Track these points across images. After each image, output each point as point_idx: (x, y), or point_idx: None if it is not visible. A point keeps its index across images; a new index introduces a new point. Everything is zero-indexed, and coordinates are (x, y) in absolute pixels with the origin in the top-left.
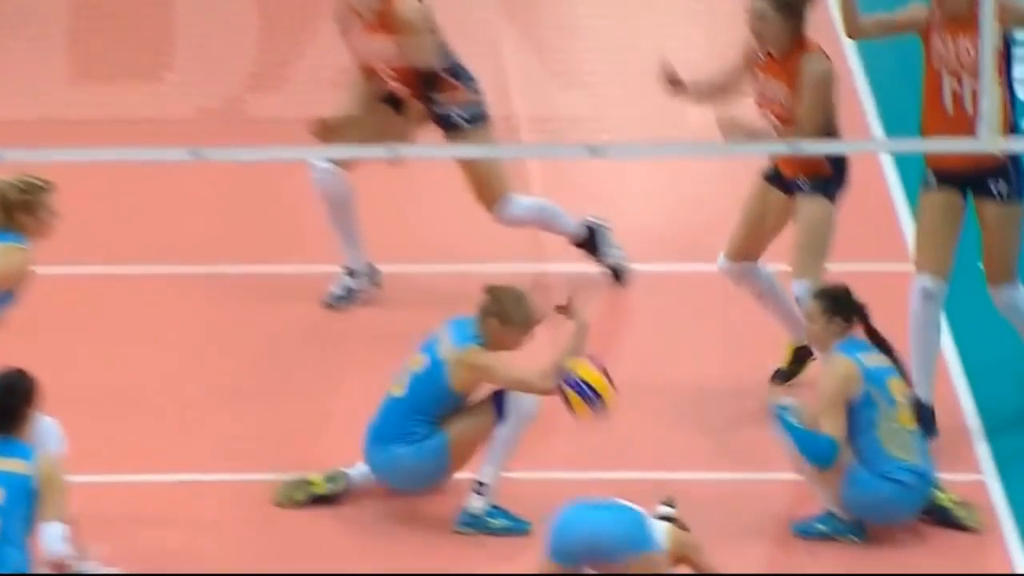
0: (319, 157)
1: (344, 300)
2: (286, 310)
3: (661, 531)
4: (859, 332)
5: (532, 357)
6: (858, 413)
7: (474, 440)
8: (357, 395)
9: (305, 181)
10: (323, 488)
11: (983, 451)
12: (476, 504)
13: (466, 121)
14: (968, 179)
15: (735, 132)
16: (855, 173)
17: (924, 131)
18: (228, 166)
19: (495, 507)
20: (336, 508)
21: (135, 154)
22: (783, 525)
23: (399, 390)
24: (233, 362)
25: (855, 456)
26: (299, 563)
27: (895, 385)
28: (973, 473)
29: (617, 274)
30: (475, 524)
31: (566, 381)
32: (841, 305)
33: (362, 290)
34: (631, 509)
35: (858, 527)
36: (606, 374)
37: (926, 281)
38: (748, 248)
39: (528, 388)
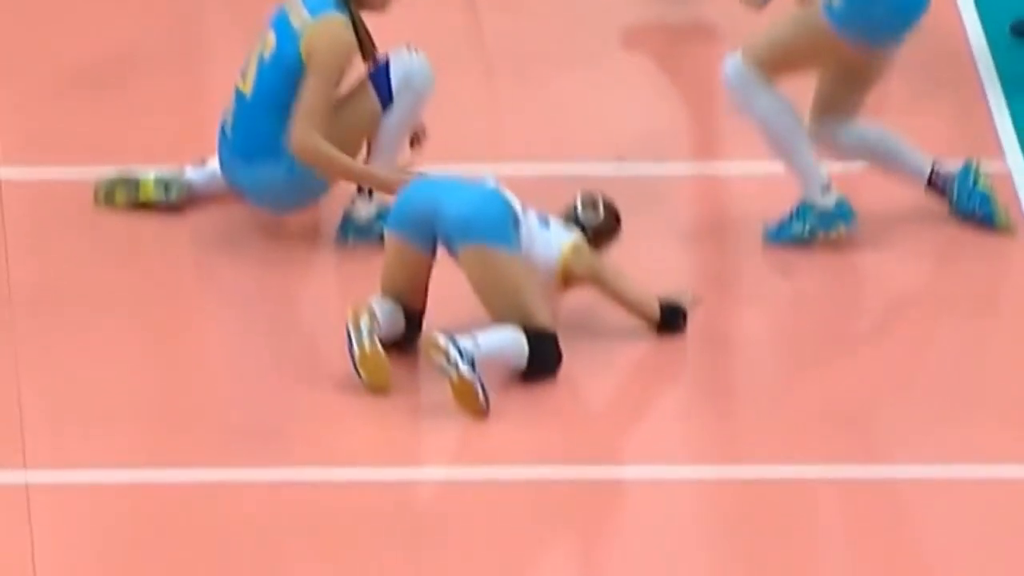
0: None
1: None
2: None
3: (553, 241)
4: None
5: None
6: None
7: (358, 138)
8: (216, 76)
9: None
10: (152, 193)
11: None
12: (362, 209)
13: None
14: None
15: None
16: None
17: None
18: None
19: (386, 210)
20: (177, 215)
21: None
22: (746, 227)
23: (247, 85)
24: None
25: None
26: (118, 279)
27: None
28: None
29: None
30: (363, 233)
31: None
32: None
33: None
34: (500, 197)
35: (845, 209)
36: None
37: None
38: None
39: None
